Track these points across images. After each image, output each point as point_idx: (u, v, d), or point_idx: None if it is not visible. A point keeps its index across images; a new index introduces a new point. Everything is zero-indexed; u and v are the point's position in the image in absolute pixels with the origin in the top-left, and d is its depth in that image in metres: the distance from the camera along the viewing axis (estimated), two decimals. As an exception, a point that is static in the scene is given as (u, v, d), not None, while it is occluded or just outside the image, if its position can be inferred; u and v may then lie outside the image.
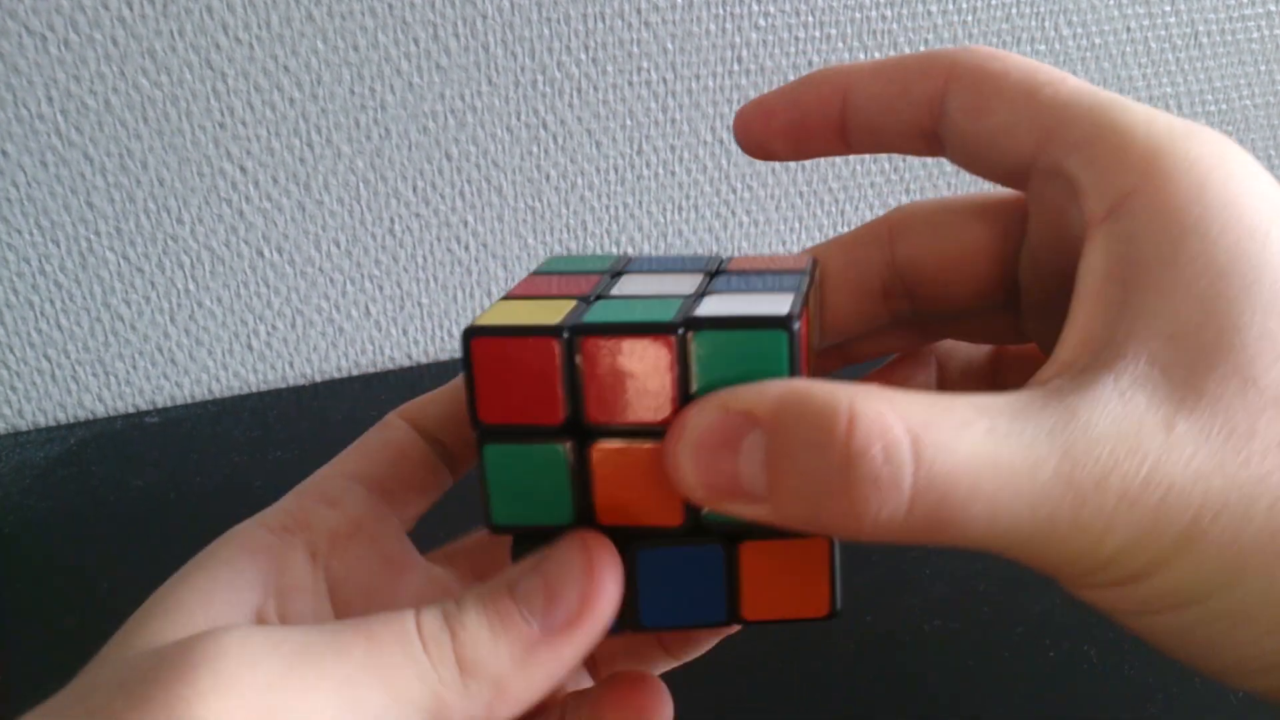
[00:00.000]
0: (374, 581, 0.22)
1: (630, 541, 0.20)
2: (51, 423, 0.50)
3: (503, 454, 0.20)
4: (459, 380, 0.23)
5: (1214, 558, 0.17)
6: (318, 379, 0.53)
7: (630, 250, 0.56)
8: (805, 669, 0.35)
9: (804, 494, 0.17)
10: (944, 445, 0.16)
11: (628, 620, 0.21)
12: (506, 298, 0.21)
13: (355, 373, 0.53)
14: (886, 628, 0.36)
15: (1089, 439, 0.17)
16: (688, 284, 0.21)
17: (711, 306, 0.20)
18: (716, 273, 0.23)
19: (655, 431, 0.19)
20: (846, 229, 0.26)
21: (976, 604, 0.37)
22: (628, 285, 0.22)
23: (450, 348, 0.55)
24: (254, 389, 0.53)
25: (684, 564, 0.21)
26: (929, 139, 0.22)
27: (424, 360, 0.54)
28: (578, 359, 0.19)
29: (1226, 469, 0.17)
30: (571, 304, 0.20)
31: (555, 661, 0.19)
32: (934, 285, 0.24)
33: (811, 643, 0.36)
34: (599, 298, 0.21)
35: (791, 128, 0.23)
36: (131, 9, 0.43)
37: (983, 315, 0.25)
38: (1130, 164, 0.19)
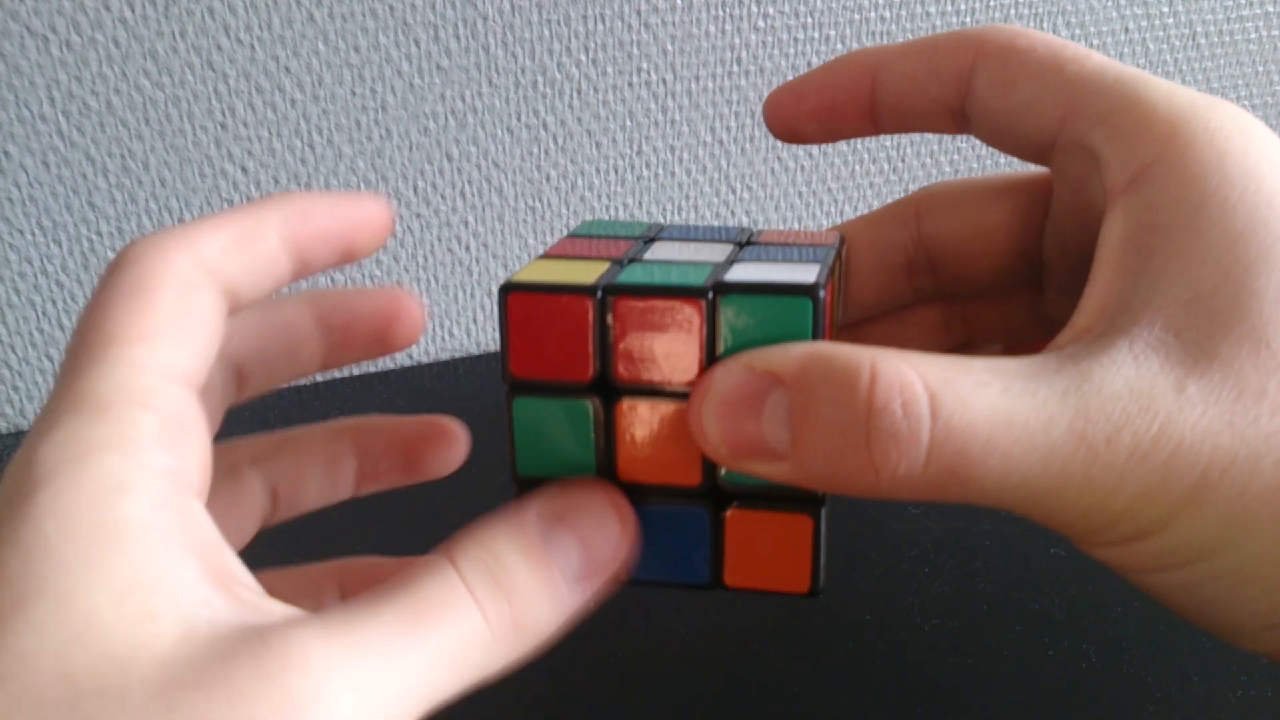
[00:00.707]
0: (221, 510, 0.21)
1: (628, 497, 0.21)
2: (53, 423, 0.50)
3: (531, 407, 0.21)
4: (252, 218, 0.21)
5: (1221, 514, 0.17)
6: (319, 378, 0.53)
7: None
8: (804, 668, 0.35)
9: (826, 449, 0.18)
10: (961, 401, 0.17)
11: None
12: (544, 256, 0.22)
13: (356, 372, 0.54)
14: (886, 627, 0.36)
15: (1102, 398, 0.17)
16: (719, 253, 0.22)
17: (740, 273, 0.20)
18: (747, 243, 0.23)
19: (680, 393, 0.20)
20: (876, 171, 0.26)
21: (976, 603, 0.37)
22: (660, 251, 0.22)
23: (451, 347, 0.55)
24: (255, 389, 0.53)
25: (672, 523, 0.21)
26: (957, 117, 0.23)
27: (424, 360, 0.55)
28: (609, 318, 0.20)
29: (1235, 427, 0.17)
30: (605, 265, 0.21)
31: (581, 604, 0.20)
32: (958, 261, 0.25)
33: (810, 642, 0.36)
34: (632, 260, 0.22)
35: (821, 109, 0.24)
36: (133, 10, 0.44)
37: (1005, 294, 0.25)
38: (1152, 135, 0.19)
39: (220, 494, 0.23)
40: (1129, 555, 0.19)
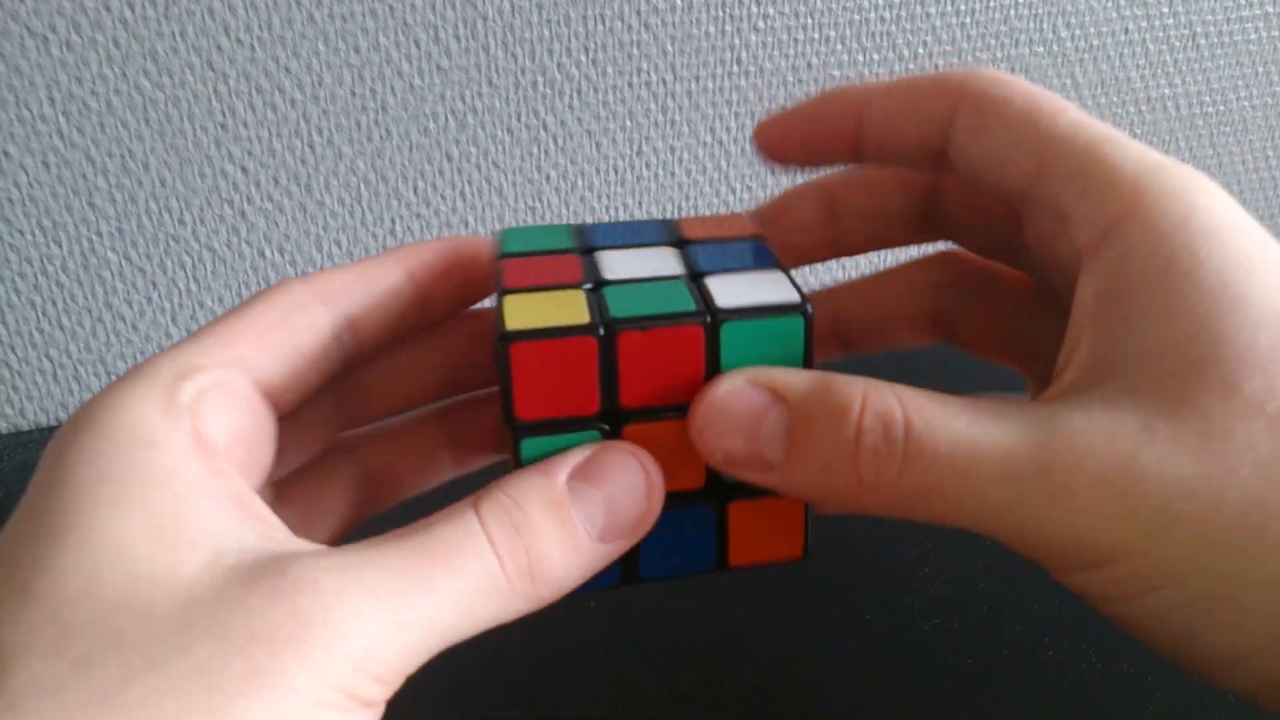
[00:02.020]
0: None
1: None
2: (54, 423, 0.50)
3: (541, 445, 0.21)
4: (379, 257, 0.23)
5: (1187, 542, 0.18)
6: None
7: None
8: (804, 668, 0.35)
9: (816, 464, 0.20)
10: (930, 428, 0.19)
11: (628, 573, 0.23)
12: (508, 291, 0.22)
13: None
14: (886, 627, 0.36)
15: (1066, 433, 0.19)
16: (670, 260, 0.23)
17: (726, 293, 0.22)
18: (682, 242, 0.24)
19: (682, 407, 0.21)
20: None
21: (976, 604, 0.37)
22: (615, 265, 0.23)
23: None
24: (255, 389, 0.53)
25: (680, 523, 0.23)
26: (937, 157, 0.23)
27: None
28: (615, 353, 0.21)
29: (1201, 462, 0.18)
30: (580, 294, 0.22)
31: (601, 565, 0.21)
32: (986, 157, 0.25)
33: (811, 641, 0.36)
34: (601, 284, 0.22)
35: (808, 139, 0.25)
36: (133, 11, 0.44)
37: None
38: (1119, 194, 0.20)
39: (306, 481, 0.25)
40: (1098, 582, 0.19)
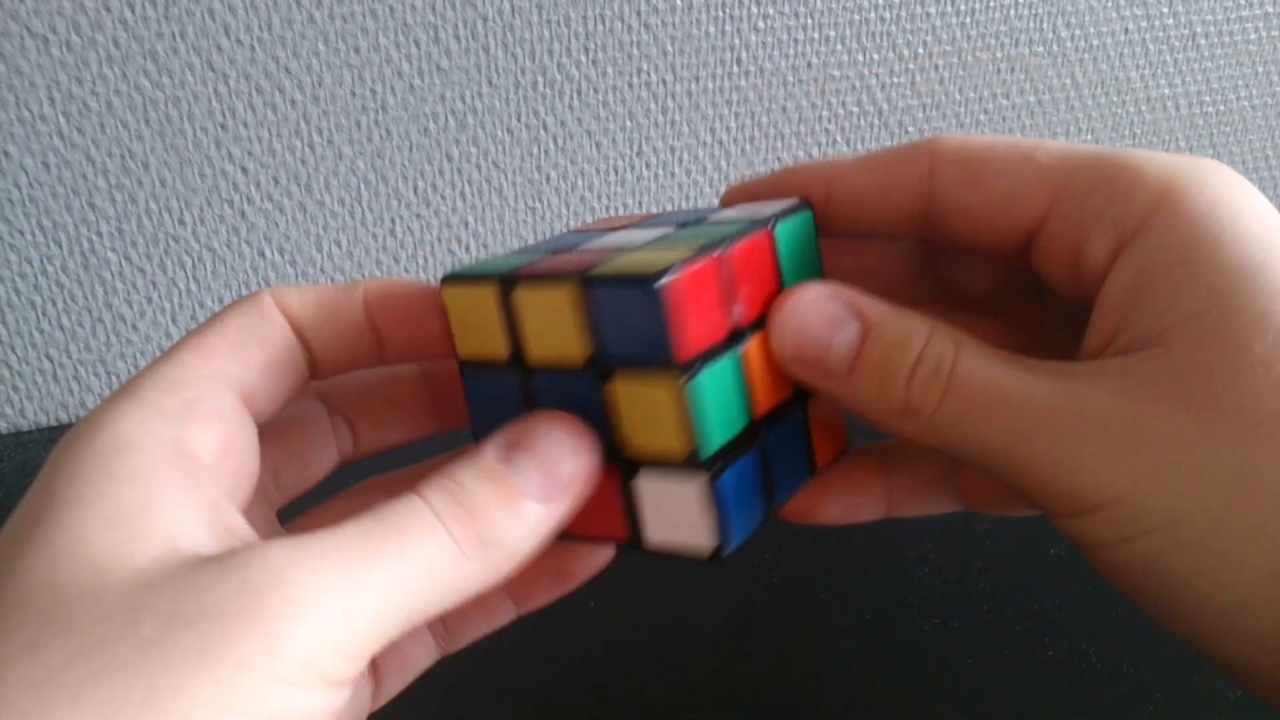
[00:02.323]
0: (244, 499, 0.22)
1: (635, 469, 0.22)
2: (54, 423, 0.50)
3: (714, 375, 0.22)
4: (348, 287, 0.24)
5: (1182, 487, 0.19)
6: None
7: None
8: (804, 668, 0.35)
9: (875, 378, 0.22)
10: (972, 368, 0.21)
11: (631, 543, 0.23)
12: (564, 276, 0.22)
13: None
14: (886, 627, 0.36)
15: (1080, 386, 0.20)
16: (646, 232, 0.24)
17: (740, 213, 0.24)
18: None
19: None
20: None
21: (976, 603, 0.37)
22: (618, 242, 0.24)
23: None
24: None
25: (780, 439, 0.23)
26: (917, 222, 0.24)
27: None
28: (731, 268, 0.22)
29: (1202, 417, 0.19)
30: (653, 249, 0.22)
31: (552, 525, 0.21)
32: (975, 215, 0.25)
33: (811, 641, 0.36)
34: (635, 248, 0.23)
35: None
36: (133, 11, 0.44)
37: (998, 267, 0.27)
38: (1146, 193, 0.21)
39: (290, 428, 0.25)
40: (1094, 525, 0.20)
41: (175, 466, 0.19)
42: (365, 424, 0.26)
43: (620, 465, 0.22)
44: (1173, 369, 0.20)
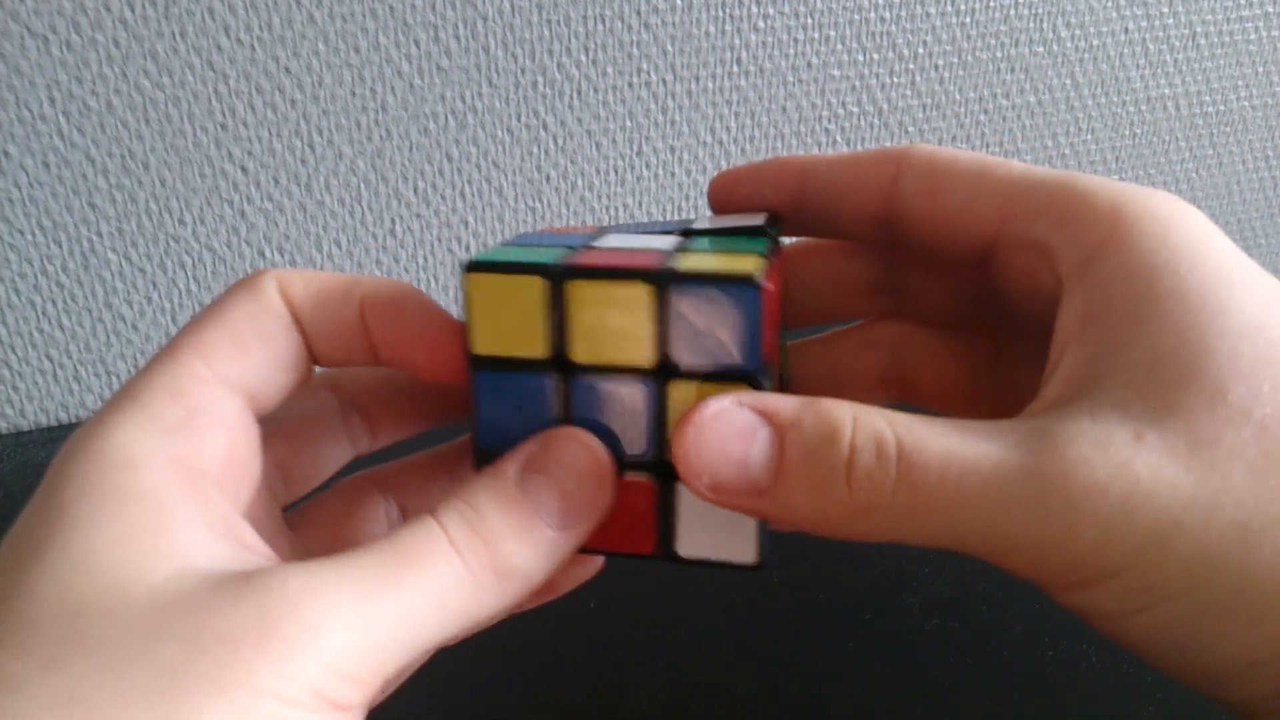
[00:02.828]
0: (251, 504, 0.22)
1: (670, 473, 0.21)
2: (53, 423, 0.50)
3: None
4: (348, 288, 0.23)
5: (1189, 550, 0.18)
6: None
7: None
8: (804, 668, 0.35)
9: (808, 486, 0.19)
10: (920, 445, 0.19)
11: (663, 552, 0.22)
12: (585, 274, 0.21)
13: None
14: (886, 627, 0.36)
15: (1058, 442, 0.18)
16: (664, 240, 0.23)
17: (721, 226, 0.23)
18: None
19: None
20: None
21: (976, 604, 0.37)
22: (642, 244, 0.23)
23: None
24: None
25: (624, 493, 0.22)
26: (880, 225, 0.24)
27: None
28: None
29: (1193, 472, 0.18)
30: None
31: (568, 551, 0.21)
32: (934, 223, 0.25)
33: (811, 641, 0.36)
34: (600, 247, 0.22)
35: (753, 199, 0.25)
36: (133, 11, 0.44)
37: (954, 348, 0.27)
38: (1097, 219, 0.20)
39: (301, 425, 0.25)
40: (1098, 599, 0.19)
41: (181, 482, 0.19)
42: (381, 417, 0.26)
43: (656, 475, 0.21)
44: (1151, 417, 0.18)
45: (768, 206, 0.25)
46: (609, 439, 0.21)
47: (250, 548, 0.19)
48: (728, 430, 0.20)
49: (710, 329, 0.20)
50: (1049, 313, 0.21)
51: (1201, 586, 0.18)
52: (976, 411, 0.27)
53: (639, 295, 0.20)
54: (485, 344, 0.21)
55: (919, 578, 0.38)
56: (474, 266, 0.20)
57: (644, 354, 0.20)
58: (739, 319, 0.20)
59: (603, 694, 0.34)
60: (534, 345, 0.21)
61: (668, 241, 0.23)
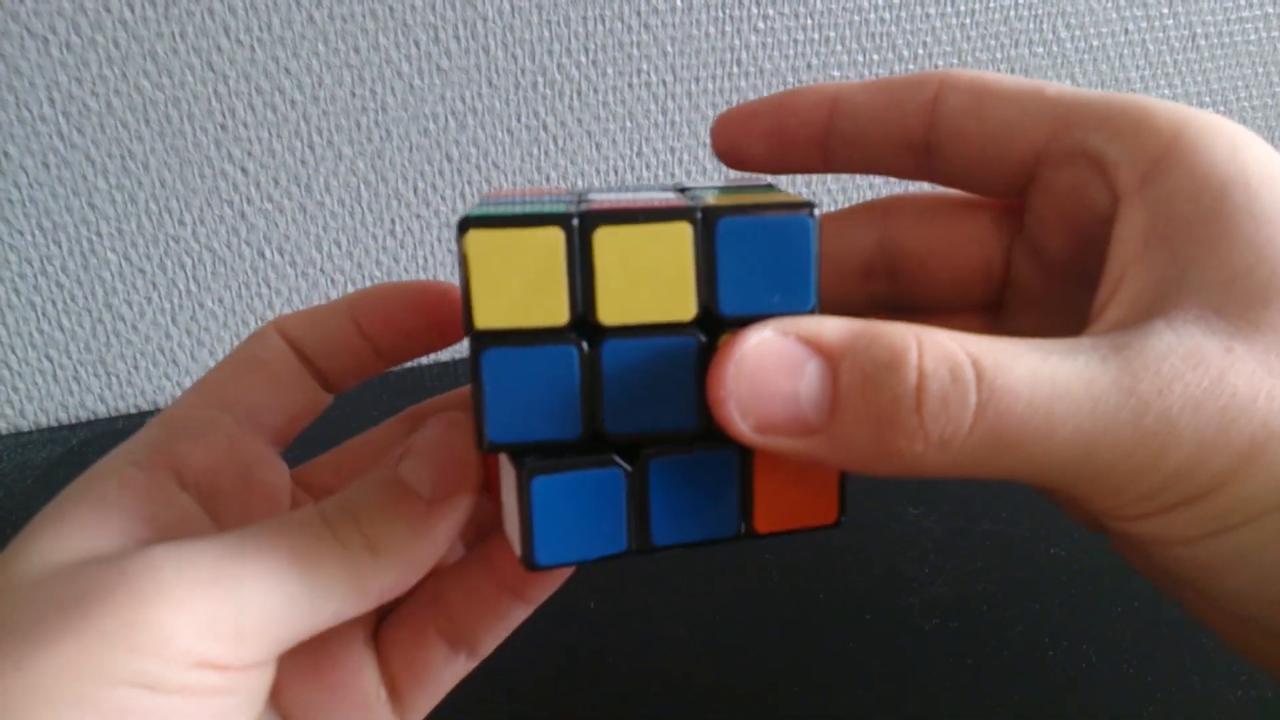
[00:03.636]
0: (249, 512, 0.23)
1: (641, 451, 0.19)
2: (53, 423, 0.50)
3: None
4: (336, 303, 0.24)
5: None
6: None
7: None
8: (804, 668, 0.35)
9: (869, 420, 0.17)
10: (1002, 366, 0.17)
11: (639, 542, 0.20)
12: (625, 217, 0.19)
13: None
14: (886, 627, 0.36)
15: (1146, 358, 0.17)
16: (666, 194, 0.21)
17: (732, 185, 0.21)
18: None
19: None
20: (840, 193, 0.26)
21: (976, 604, 0.37)
22: (659, 198, 0.21)
23: (452, 349, 0.55)
24: (255, 390, 0.53)
25: (696, 471, 0.20)
26: (916, 151, 0.23)
27: (425, 360, 0.55)
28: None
29: None
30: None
31: (446, 526, 0.21)
32: (918, 271, 0.25)
33: (811, 642, 0.36)
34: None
35: (773, 132, 0.23)
36: (133, 11, 0.44)
37: (958, 314, 0.25)
38: (1158, 132, 0.19)
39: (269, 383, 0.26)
40: (1177, 523, 0.18)
41: (142, 491, 0.21)
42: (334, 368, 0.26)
43: (708, 446, 0.19)
44: (1236, 332, 0.17)
45: (789, 140, 0.23)
46: (652, 411, 0.19)
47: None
48: (772, 364, 0.18)
49: (761, 267, 0.18)
50: (1094, 234, 0.20)
51: None
52: (973, 300, 0.25)
53: (679, 236, 0.18)
54: (490, 315, 0.18)
55: (919, 578, 0.38)
56: (471, 223, 0.17)
57: (685, 306, 0.18)
58: (795, 251, 0.18)
59: (600, 693, 0.34)
60: (552, 311, 0.18)
61: (670, 195, 0.21)
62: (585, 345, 0.18)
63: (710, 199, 0.19)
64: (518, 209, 0.18)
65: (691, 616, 0.37)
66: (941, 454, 0.17)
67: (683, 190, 0.21)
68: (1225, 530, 0.17)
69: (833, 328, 0.18)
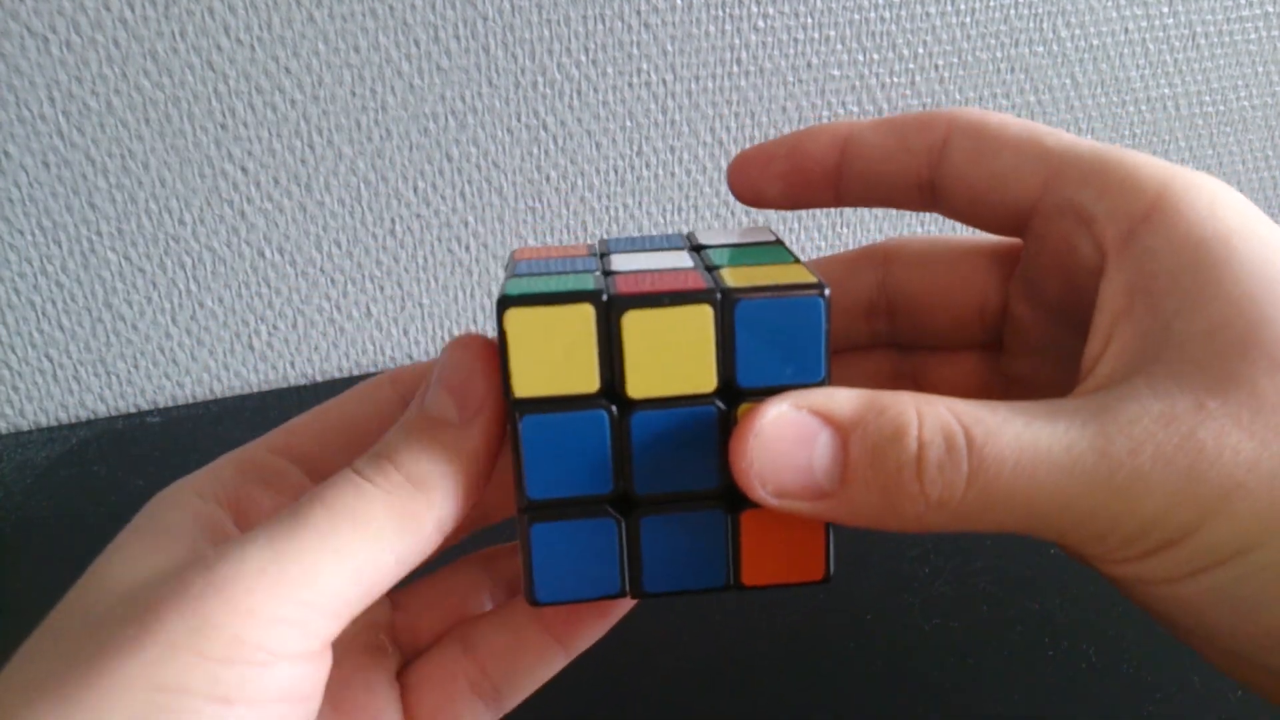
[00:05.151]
0: None
1: (634, 509, 0.21)
2: (53, 423, 0.50)
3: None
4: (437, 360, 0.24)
5: (1251, 512, 0.18)
6: (318, 379, 0.53)
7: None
8: (805, 668, 0.35)
9: (876, 486, 0.19)
10: (990, 434, 0.19)
11: (631, 587, 0.22)
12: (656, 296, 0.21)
13: (356, 373, 0.54)
14: (886, 627, 0.36)
15: (1120, 420, 0.19)
16: (679, 257, 0.23)
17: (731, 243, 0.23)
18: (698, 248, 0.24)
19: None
20: (845, 228, 0.27)
21: (976, 603, 0.37)
22: (667, 262, 0.22)
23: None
24: (255, 389, 0.53)
25: (686, 530, 0.21)
26: (924, 189, 0.24)
27: (425, 361, 0.55)
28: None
29: (1257, 436, 0.18)
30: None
31: (482, 444, 0.21)
32: (918, 313, 0.26)
33: (811, 642, 0.36)
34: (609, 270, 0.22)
35: (789, 174, 0.25)
36: (133, 11, 0.44)
37: (958, 351, 0.27)
38: (1142, 188, 0.20)
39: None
40: (1158, 565, 0.19)
41: (206, 524, 0.21)
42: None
43: (728, 506, 0.21)
44: (1211, 387, 0.18)
45: (804, 181, 0.24)
46: (676, 473, 0.21)
47: None
48: (788, 436, 0.20)
49: (776, 344, 0.20)
50: (1084, 284, 0.21)
51: (1259, 548, 0.18)
52: (971, 340, 0.26)
53: (700, 317, 0.19)
54: (528, 385, 0.20)
55: (919, 578, 0.38)
56: (510, 302, 0.19)
57: (706, 379, 0.20)
58: (808, 328, 0.19)
59: (599, 693, 0.34)
60: (584, 379, 0.20)
61: (686, 258, 0.22)
62: (615, 409, 0.20)
63: (726, 272, 0.21)
64: (550, 285, 0.20)
65: (691, 616, 0.37)
66: (939, 513, 0.19)
67: (697, 248, 0.23)
68: (1201, 571, 0.19)
69: (843, 401, 0.20)
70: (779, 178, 0.25)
